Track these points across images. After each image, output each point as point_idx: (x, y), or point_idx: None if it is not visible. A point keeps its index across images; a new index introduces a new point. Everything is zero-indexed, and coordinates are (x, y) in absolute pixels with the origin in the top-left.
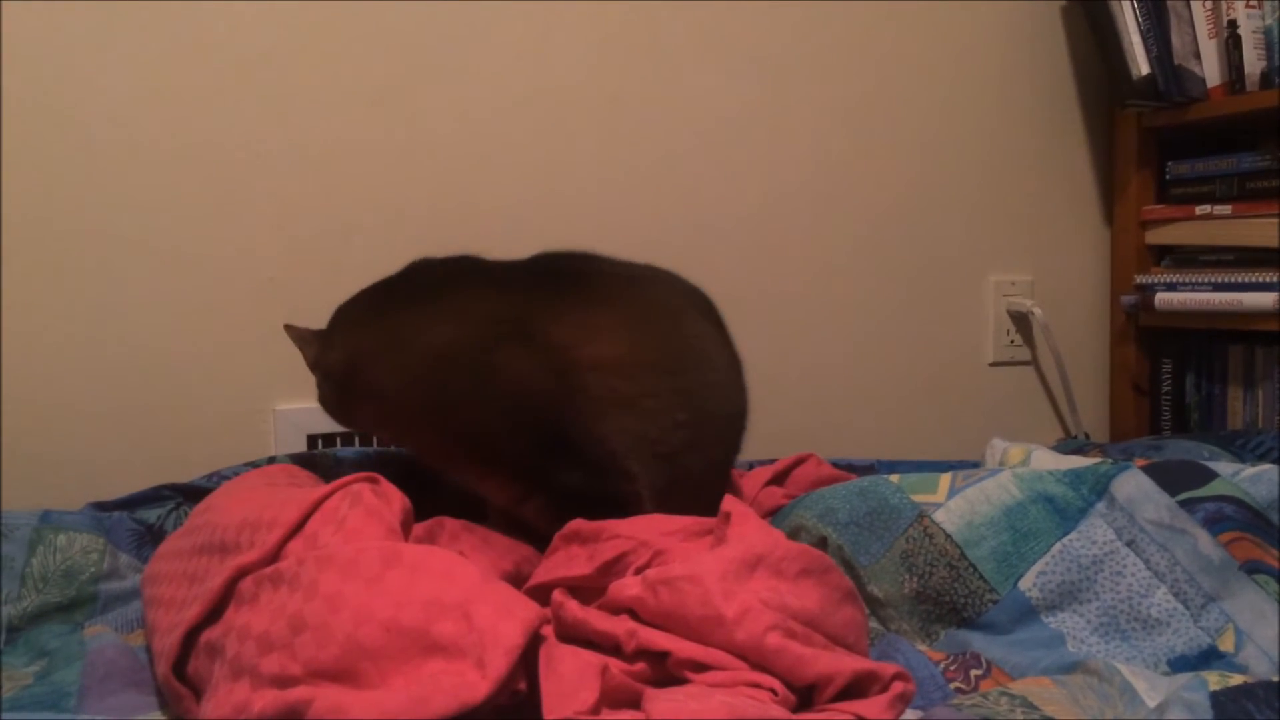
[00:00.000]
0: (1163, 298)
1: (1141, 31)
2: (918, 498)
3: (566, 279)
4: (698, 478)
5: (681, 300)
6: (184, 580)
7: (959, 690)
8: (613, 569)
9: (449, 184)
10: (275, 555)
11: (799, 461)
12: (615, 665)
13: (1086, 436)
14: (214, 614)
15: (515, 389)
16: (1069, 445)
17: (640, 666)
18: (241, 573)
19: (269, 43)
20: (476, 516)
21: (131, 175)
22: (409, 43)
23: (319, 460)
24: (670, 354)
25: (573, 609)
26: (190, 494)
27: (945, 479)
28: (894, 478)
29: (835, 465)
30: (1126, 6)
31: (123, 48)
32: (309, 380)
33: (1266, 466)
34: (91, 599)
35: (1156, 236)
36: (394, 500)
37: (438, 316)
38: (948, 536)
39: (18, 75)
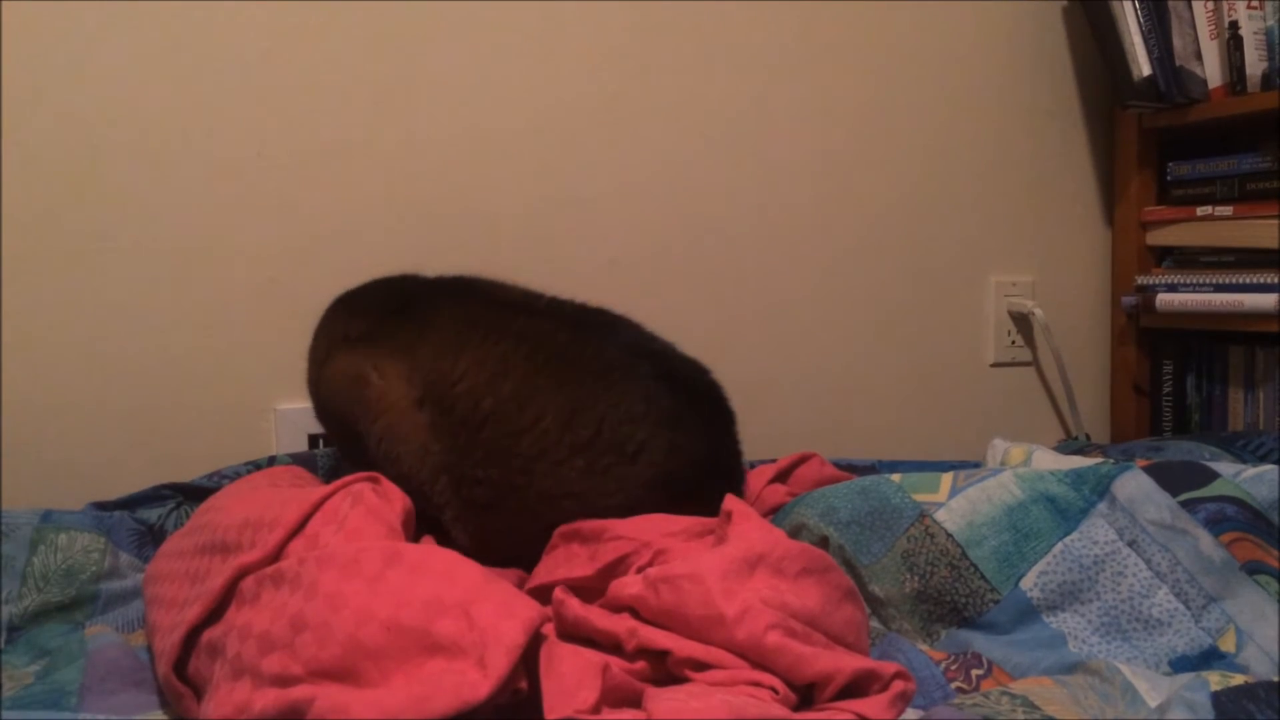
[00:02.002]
0: (1163, 299)
1: (1143, 32)
2: (919, 497)
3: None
4: None
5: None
6: (185, 580)
7: (960, 690)
8: (614, 571)
9: (450, 183)
10: (276, 555)
11: (802, 460)
12: (616, 664)
13: (1087, 437)
14: (215, 614)
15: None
16: (1070, 446)
17: (641, 665)
18: (242, 572)
19: (270, 43)
20: None
21: (132, 176)
22: (410, 43)
23: (321, 460)
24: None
25: (573, 607)
26: (191, 493)
27: (947, 479)
28: (895, 477)
29: (836, 465)
30: (1127, 7)
31: (123, 48)
32: None
33: (1267, 467)
34: (92, 598)
35: (1157, 237)
36: (395, 500)
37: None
38: (949, 536)
39: (18, 74)
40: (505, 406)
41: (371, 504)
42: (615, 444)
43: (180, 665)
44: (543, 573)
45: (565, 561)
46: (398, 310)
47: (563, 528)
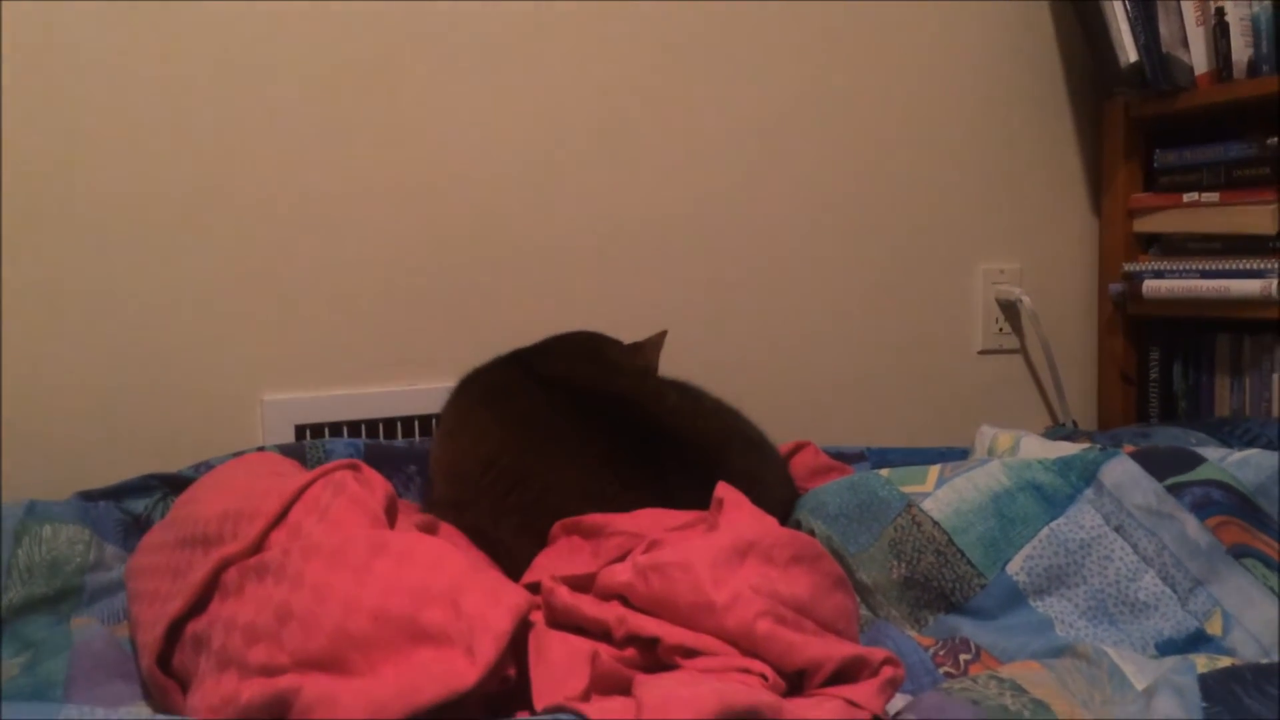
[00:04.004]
0: (1150, 286)
1: (1129, 19)
2: (907, 489)
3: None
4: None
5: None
6: (167, 573)
7: (948, 675)
8: None
9: (439, 173)
10: (258, 546)
11: (798, 448)
12: (605, 651)
13: (1074, 425)
14: (198, 606)
15: None
16: (1057, 433)
17: (630, 653)
18: (224, 564)
19: (255, 30)
20: None
21: (118, 166)
22: (398, 25)
23: (309, 451)
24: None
25: (562, 595)
26: (177, 484)
27: (934, 470)
28: (884, 472)
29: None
30: None
31: (110, 36)
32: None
33: (1253, 451)
34: (78, 591)
35: (1144, 225)
36: (377, 487)
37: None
38: (935, 524)
39: (7, 66)
40: (469, 461)
41: (354, 492)
42: (551, 511)
43: (164, 658)
44: (544, 567)
45: (568, 556)
46: (520, 353)
47: (563, 521)
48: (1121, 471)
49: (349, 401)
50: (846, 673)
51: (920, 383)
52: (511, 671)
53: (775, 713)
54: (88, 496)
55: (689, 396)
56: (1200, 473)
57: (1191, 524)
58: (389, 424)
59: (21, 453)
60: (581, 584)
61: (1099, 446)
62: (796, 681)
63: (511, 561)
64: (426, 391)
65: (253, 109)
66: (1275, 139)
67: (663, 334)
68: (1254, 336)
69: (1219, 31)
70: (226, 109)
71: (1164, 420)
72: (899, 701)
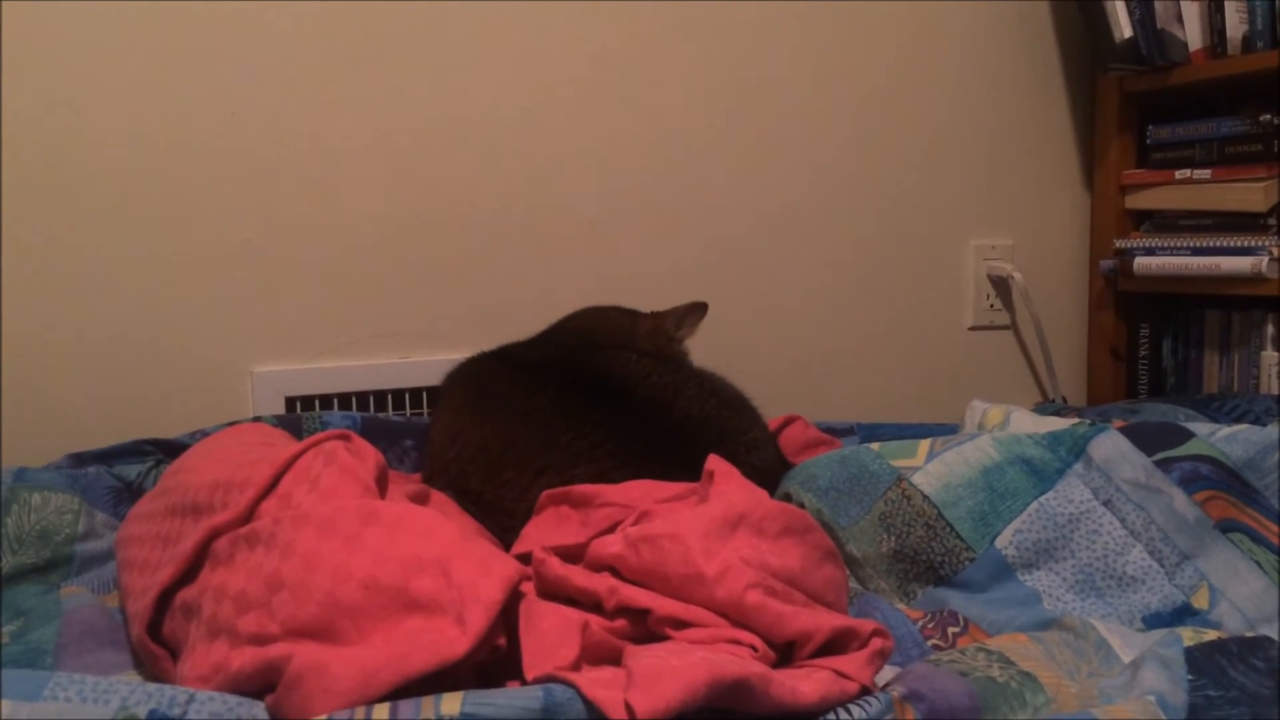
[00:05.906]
0: (1141, 262)
1: None
2: (897, 463)
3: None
4: None
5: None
6: (157, 542)
7: (936, 647)
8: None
9: (427, 144)
10: (249, 515)
11: (787, 422)
12: (596, 622)
13: (1064, 400)
14: (188, 575)
15: None
16: (1047, 409)
17: (621, 623)
18: (214, 533)
19: (243, 2)
20: None
21: (107, 137)
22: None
23: (306, 423)
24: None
25: (554, 566)
26: (172, 450)
27: (924, 444)
28: (875, 446)
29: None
30: None
31: (99, 8)
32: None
33: (1241, 427)
34: (67, 560)
35: (1136, 201)
36: (368, 457)
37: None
38: (925, 497)
39: (6, 36)
40: (441, 440)
41: (345, 462)
42: (511, 463)
43: (154, 627)
44: (533, 537)
45: (556, 526)
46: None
47: (550, 491)
48: (1111, 446)
49: (340, 374)
50: (836, 644)
51: (911, 358)
52: (502, 641)
53: (764, 683)
54: (79, 459)
55: (651, 358)
56: (1189, 448)
57: (1179, 498)
58: (380, 396)
59: (11, 424)
60: (572, 555)
61: (1088, 422)
62: (786, 652)
63: (500, 512)
64: (419, 364)
65: (243, 78)
66: (1269, 115)
67: (694, 305)
68: (1242, 313)
69: (1214, 7)
70: (218, 79)
71: (1153, 396)
72: (887, 673)
